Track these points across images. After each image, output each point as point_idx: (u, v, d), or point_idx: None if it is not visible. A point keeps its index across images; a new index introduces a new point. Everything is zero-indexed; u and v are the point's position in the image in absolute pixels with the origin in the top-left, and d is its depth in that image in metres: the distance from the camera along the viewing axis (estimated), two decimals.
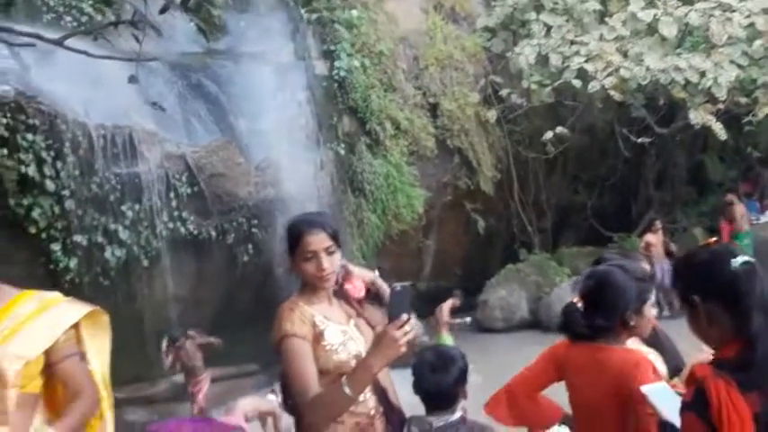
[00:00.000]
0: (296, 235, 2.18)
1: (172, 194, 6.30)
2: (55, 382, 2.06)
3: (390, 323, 1.95)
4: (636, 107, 9.28)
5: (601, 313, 2.25)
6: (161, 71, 6.53)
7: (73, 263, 5.69)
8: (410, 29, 9.08)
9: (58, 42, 4.05)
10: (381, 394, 2.26)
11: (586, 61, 8.62)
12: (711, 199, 11.35)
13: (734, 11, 8.58)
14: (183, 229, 6.41)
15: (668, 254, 9.31)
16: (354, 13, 8.24)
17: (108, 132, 5.89)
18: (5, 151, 5.31)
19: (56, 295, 2.09)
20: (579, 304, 2.34)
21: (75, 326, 2.06)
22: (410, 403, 2.38)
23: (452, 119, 9.06)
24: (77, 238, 5.71)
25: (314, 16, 7.99)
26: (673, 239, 10.30)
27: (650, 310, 2.28)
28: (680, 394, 1.80)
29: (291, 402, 2.23)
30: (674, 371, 2.47)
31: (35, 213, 5.50)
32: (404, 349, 1.96)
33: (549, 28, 9.19)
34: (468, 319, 7.95)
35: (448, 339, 7.28)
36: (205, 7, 3.83)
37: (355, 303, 2.36)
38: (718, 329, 1.59)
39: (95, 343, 2.11)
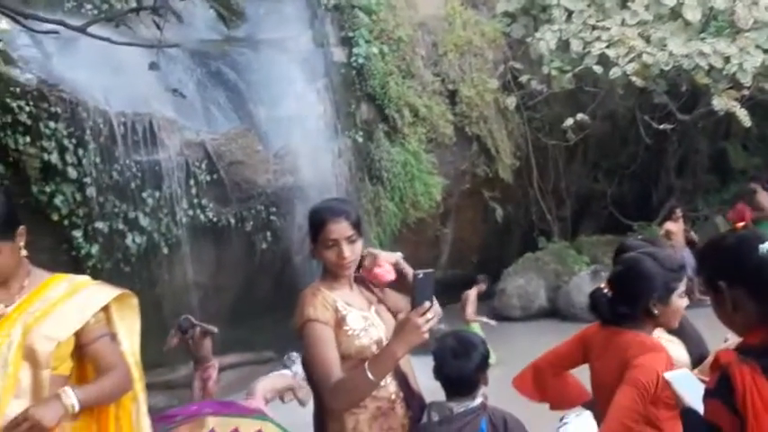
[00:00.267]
0: (318, 222, 2.19)
1: (191, 182, 6.35)
2: (85, 363, 2.09)
3: (413, 310, 1.96)
4: (658, 93, 9.13)
5: (625, 300, 2.24)
6: (180, 59, 6.57)
7: (94, 249, 5.76)
8: (429, 14, 9.01)
9: (82, 29, 4.09)
10: (402, 380, 2.27)
11: (608, 47, 8.50)
12: (734, 187, 11.16)
13: None
14: (202, 217, 6.46)
15: (688, 243, 9.20)
16: None
17: (128, 120, 5.94)
18: (28, 139, 5.38)
19: (85, 278, 2.12)
20: (606, 290, 2.33)
21: (105, 308, 2.08)
22: (429, 389, 2.39)
23: (471, 106, 9.00)
24: (99, 224, 5.78)
25: (332, 2, 7.97)
26: (694, 228, 10.17)
27: (678, 301, 2.24)
28: (703, 381, 1.78)
29: (313, 387, 2.25)
30: (699, 359, 2.44)
31: (57, 200, 5.57)
32: (426, 336, 1.98)
33: (570, 13, 9.06)
34: (494, 322, 7.94)
35: (476, 328, 7.29)
36: None
37: (376, 290, 2.37)
38: (743, 315, 1.57)
39: (125, 324, 2.14)
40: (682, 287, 2.25)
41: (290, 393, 5.35)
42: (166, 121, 6.19)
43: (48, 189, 5.53)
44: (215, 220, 6.55)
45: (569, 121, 9.01)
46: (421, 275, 1.97)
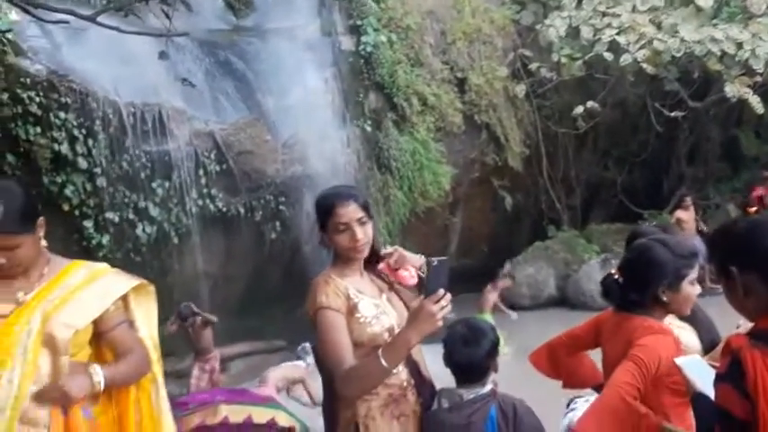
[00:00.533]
0: (327, 207, 2.19)
1: (201, 172, 6.37)
2: (103, 350, 2.12)
3: (427, 297, 1.96)
4: (669, 80, 9.06)
5: (635, 286, 2.24)
6: (189, 48, 6.57)
7: (105, 239, 5.80)
8: (437, 2, 8.96)
9: (91, 18, 4.09)
10: (413, 367, 2.28)
11: (618, 33, 8.43)
12: (745, 175, 11.07)
13: None
14: (212, 206, 6.48)
15: (698, 232, 9.15)
16: None
17: (138, 110, 5.96)
18: (39, 129, 5.41)
19: (104, 266, 2.15)
20: (617, 276, 2.33)
21: (124, 296, 2.11)
22: (439, 376, 2.40)
23: (480, 94, 8.96)
24: (109, 215, 5.82)
25: None
26: (705, 216, 10.11)
27: (689, 288, 2.21)
28: (714, 367, 1.78)
29: (325, 374, 2.26)
30: (710, 345, 2.43)
31: (68, 191, 5.60)
32: (441, 323, 1.98)
33: None
34: (515, 315, 7.92)
35: (489, 318, 7.29)
36: None
37: (387, 278, 2.37)
38: (755, 300, 1.56)
39: (142, 311, 2.17)
40: (693, 274, 2.22)
41: (300, 388, 5.37)
42: (175, 111, 6.20)
43: (58, 179, 5.56)
44: (224, 209, 6.58)
45: (579, 109, 8.96)
46: (435, 262, 1.97)
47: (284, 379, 5.16)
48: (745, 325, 1.74)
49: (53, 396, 1.91)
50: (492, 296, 7.76)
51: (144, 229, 6.01)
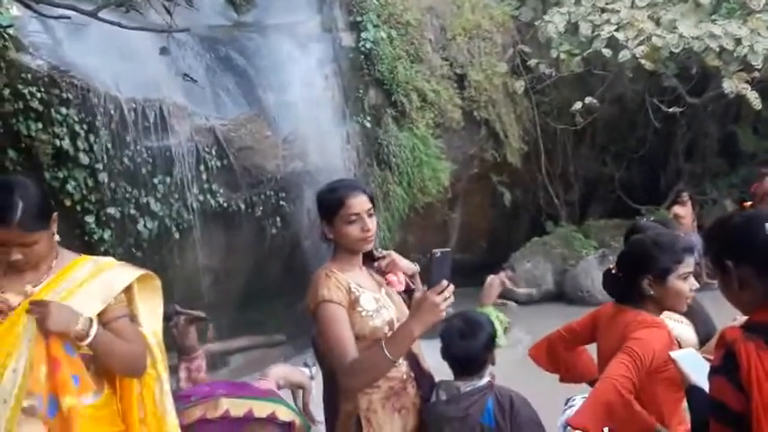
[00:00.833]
0: (337, 199, 2.21)
1: (202, 167, 6.38)
2: None
3: (430, 288, 1.97)
4: (667, 76, 9.08)
5: (626, 279, 2.28)
6: (190, 44, 6.57)
7: (107, 234, 5.81)
8: None
9: (92, 14, 4.10)
10: (413, 360, 2.31)
11: (617, 29, 8.44)
12: (743, 171, 11.10)
13: None
14: (212, 202, 6.50)
15: (697, 228, 9.18)
16: None
17: (139, 106, 5.96)
18: (40, 125, 5.41)
19: (109, 260, 2.17)
20: (614, 269, 2.38)
21: (129, 290, 2.12)
22: (437, 371, 2.43)
23: (479, 90, 8.98)
24: (111, 210, 5.83)
25: None
26: (702, 212, 10.15)
27: (678, 284, 2.22)
28: (709, 360, 1.80)
29: (325, 368, 2.28)
30: (707, 339, 2.46)
31: (70, 186, 5.61)
32: (444, 314, 1.99)
33: None
34: (515, 304, 7.96)
35: (491, 311, 7.34)
36: None
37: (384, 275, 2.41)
38: (749, 294, 1.58)
39: (147, 306, 2.18)
40: (682, 269, 2.22)
41: (301, 391, 5.34)
42: (177, 107, 6.21)
43: (60, 175, 5.57)
44: (225, 205, 6.60)
45: (578, 105, 8.98)
46: (438, 254, 1.98)
47: (286, 378, 5.15)
48: (742, 319, 1.76)
49: (33, 312, 1.90)
50: (494, 288, 7.80)
51: (145, 225, 6.03)
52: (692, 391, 1.79)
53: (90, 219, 5.75)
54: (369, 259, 2.37)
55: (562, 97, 9.61)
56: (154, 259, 6.01)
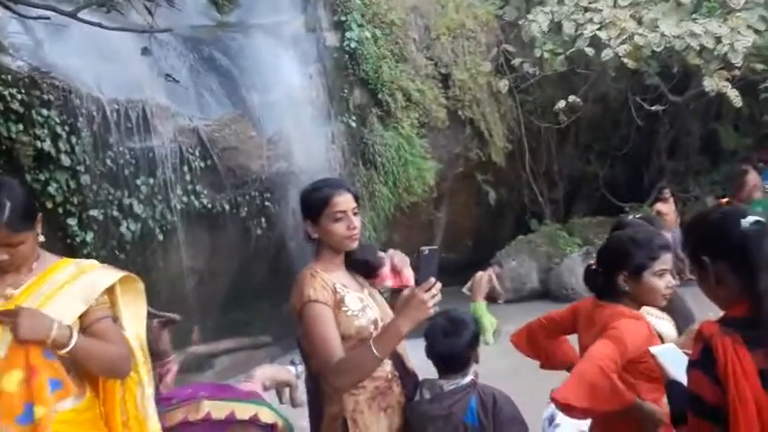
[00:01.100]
0: (322, 198, 2.22)
1: (185, 168, 6.34)
2: None
3: (418, 286, 1.98)
4: (650, 75, 9.16)
5: (602, 275, 2.31)
6: (172, 44, 6.53)
7: (89, 237, 5.76)
8: None
9: (72, 14, 4.07)
10: (397, 359, 2.31)
11: (600, 29, 8.51)
12: (724, 168, 11.24)
13: None
14: (196, 203, 6.46)
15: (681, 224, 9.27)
16: None
17: (121, 107, 5.91)
18: (21, 127, 5.35)
19: (92, 262, 2.15)
20: (594, 265, 2.41)
21: (111, 292, 2.10)
22: (422, 370, 2.43)
23: (464, 89, 9.01)
24: (93, 212, 5.77)
25: None
26: (685, 208, 10.24)
27: (653, 280, 2.23)
28: (688, 355, 1.82)
29: (313, 368, 2.27)
30: None
31: (51, 188, 5.55)
32: (431, 312, 2.00)
33: None
34: (501, 299, 8.02)
35: (483, 308, 7.36)
36: None
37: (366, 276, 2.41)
38: (726, 289, 1.61)
39: (130, 309, 2.15)
40: (658, 266, 2.23)
41: (288, 389, 5.32)
42: (159, 108, 6.17)
43: (41, 177, 5.50)
44: (209, 206, 6.56)
45: (561, 104, 9.04)
46: (426, 252, 1.99)
47: (272, 378, 5.12)
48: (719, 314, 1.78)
49: (6, 321, 1.86)
50: (484, 285, 7.82)
51: (128, 227, 5.97)
52: (671, 386, 1.81)
53: (72, 221, 5.69)
54: (352, 261, 2.37)
55: (546, 96, 9.67)
56: (137, 261, 5.97)
